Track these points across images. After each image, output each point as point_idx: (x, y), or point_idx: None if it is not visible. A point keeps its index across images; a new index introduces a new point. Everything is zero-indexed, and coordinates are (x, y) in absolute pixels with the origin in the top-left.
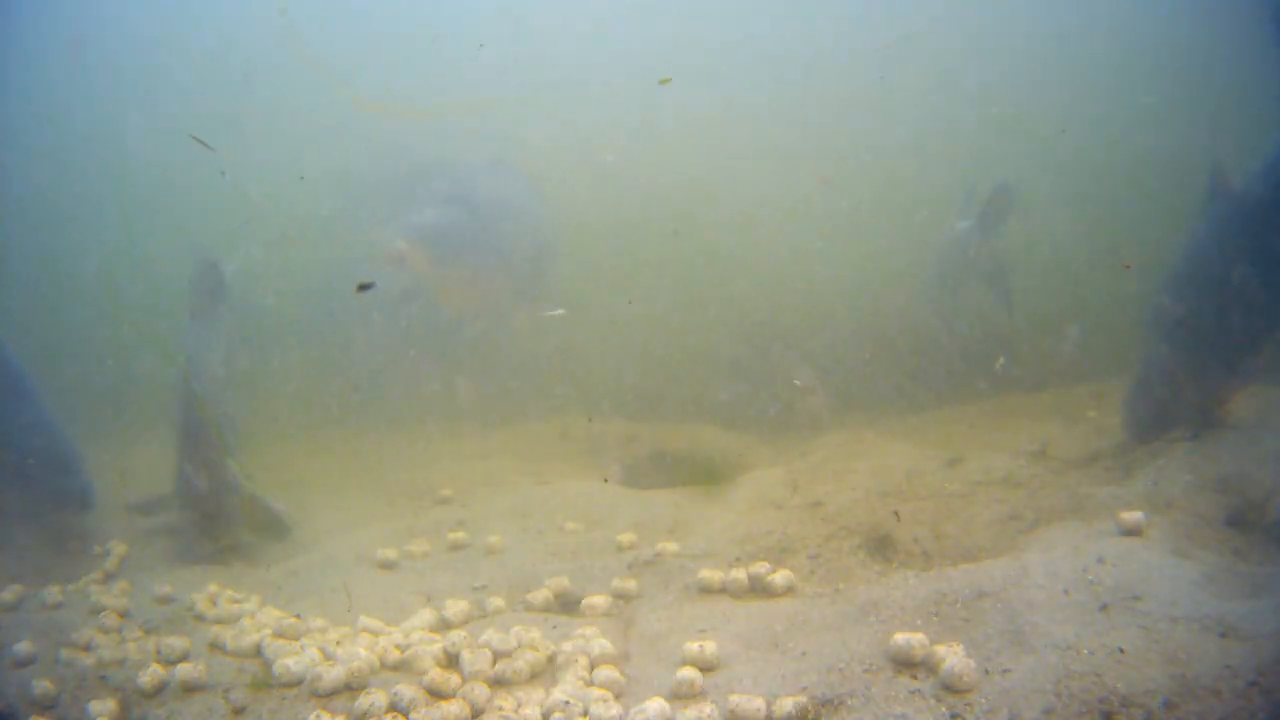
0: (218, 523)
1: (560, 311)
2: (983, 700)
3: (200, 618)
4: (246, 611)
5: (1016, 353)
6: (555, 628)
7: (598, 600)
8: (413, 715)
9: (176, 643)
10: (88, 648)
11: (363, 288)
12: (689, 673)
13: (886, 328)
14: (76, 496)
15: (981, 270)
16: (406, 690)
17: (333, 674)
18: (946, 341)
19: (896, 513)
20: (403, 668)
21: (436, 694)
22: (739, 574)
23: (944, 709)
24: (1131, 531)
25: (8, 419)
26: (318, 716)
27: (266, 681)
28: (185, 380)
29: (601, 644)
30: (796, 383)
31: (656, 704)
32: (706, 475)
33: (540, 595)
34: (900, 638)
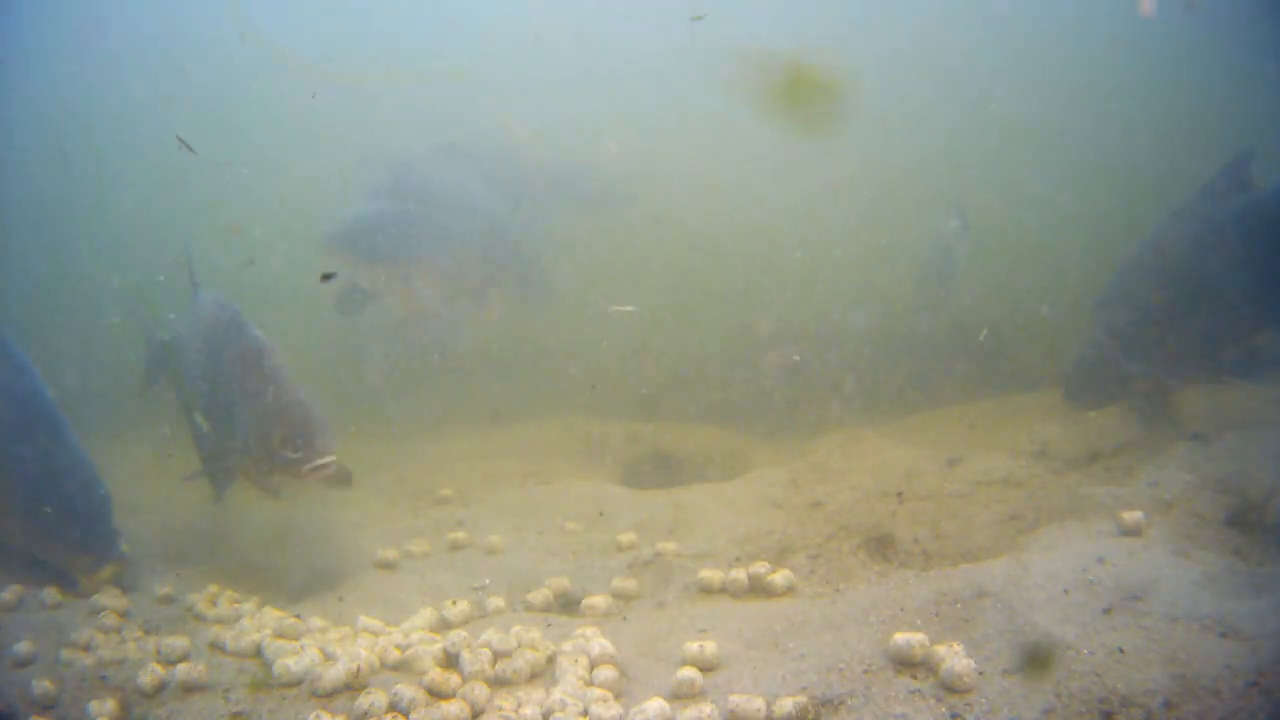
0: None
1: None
2: (983, 700)
3: (200, 618)
4: (246, 611)
5: (1016, 353)
6: (553, 627)
7: (598, 600)
8: (413, 715)
9: (176, 643)
10: (88, 648)
11: (326, 278)
12: (689, 673)
13: (887, 327)
14: (102, 556)
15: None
16: (406, 690)
17: (333, 674)
18: (945, 340)
19: (900, 493)
20: (403, 668)
21: (436, 694)
22: (739, 574)
23: (944, 709)
24: (1131, 531)
25: (30, 461)
26: (318, 716)
27: (266, 681)
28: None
29: (601, 644)
30: (795, 358)
31: (656, 704)
32: (706, 475)
33: (540, 595)
34: (900, 638)
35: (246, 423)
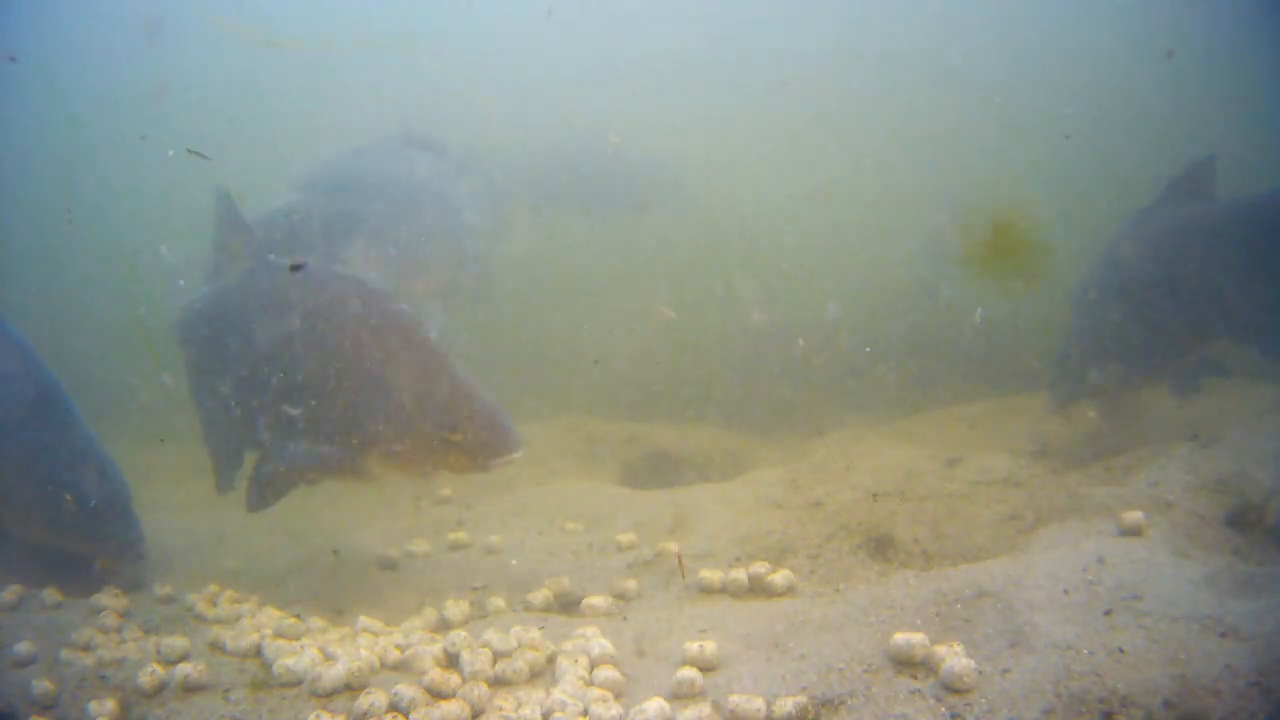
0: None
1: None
2: (983, 700)
3: (200, 618)
4: (246, 611)
5: (1018, 352)
6: (553, 627)
7: (598, 600)
8: (413, 715)
9: (176, 643)
10: (88, 648)
11: (295, 268)
12: (689, 673)
13: (887, 327)
14: (126, 543)
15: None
16: (406, 690)
17: (333, 674)
18: (945, 340)
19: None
20: (403, 668)
21: (436, 694)
22: (739, 574)
23: (944, 709)
24: (1131, 531)
25: (44, 448)
26: (318, 716)
27: (266, 681)
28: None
29: (601, 644)
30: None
31: (656, 704)
32: (707, 475)
33: (540, 595)
34: (900, 638)
35: (389, 408)
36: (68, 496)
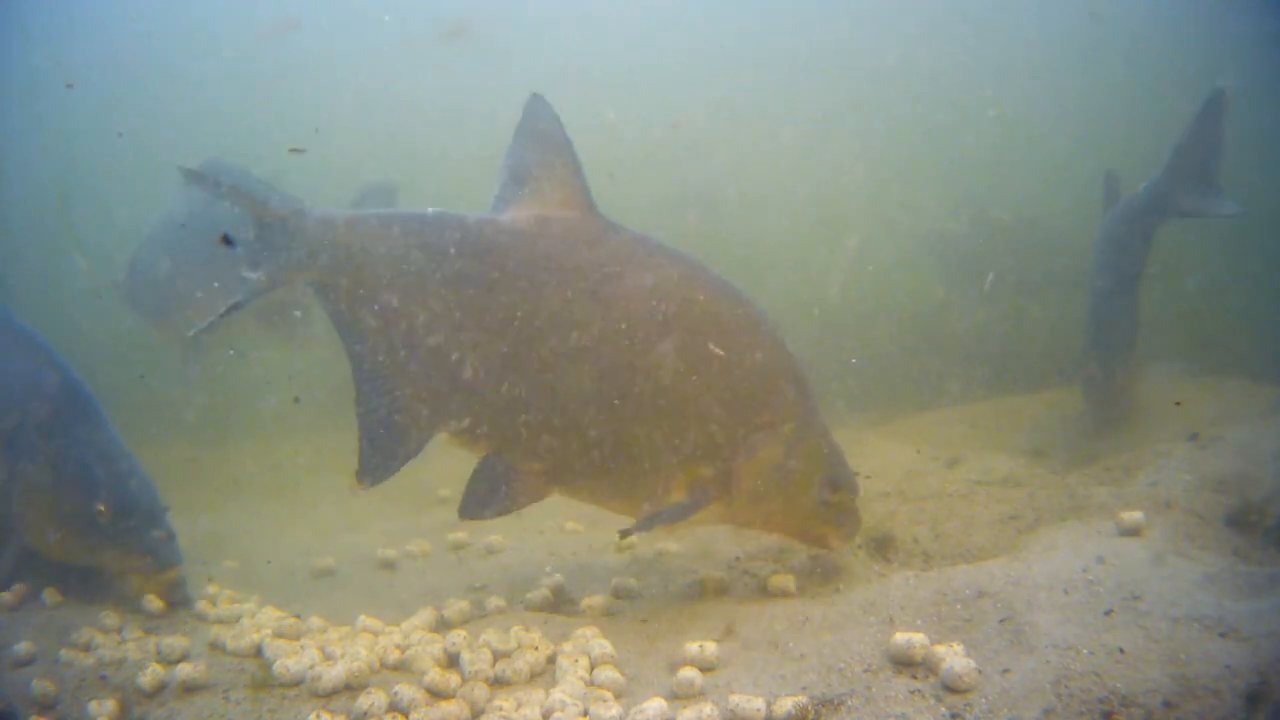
0: None
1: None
2: (983, 700)
3: (200, 618)
4: (246, 611)
5: (1018, 353)
6: (553, 627)
7: (598, 600)
8: (413, 715)
9: (176, 643)
10: (88, 648)
11: (226, 241)
12: (689, 673)
13: (887, 327)
14: (165, 557)
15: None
16: (406, 690)
17: (333, 674)
18: (947, 339)
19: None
20: (403, 668)
21: (436, 694)
22: (739, 574)
23: (944, 709)
24: (1131, 531)
25: (74, 451)
26: (318, 716)
27: (266, 681)
28: None
29: (601, 644)
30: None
31: (656, 704)
32: None
33: (540, 595)
34: (900, 638)
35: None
36: (101, 507)
